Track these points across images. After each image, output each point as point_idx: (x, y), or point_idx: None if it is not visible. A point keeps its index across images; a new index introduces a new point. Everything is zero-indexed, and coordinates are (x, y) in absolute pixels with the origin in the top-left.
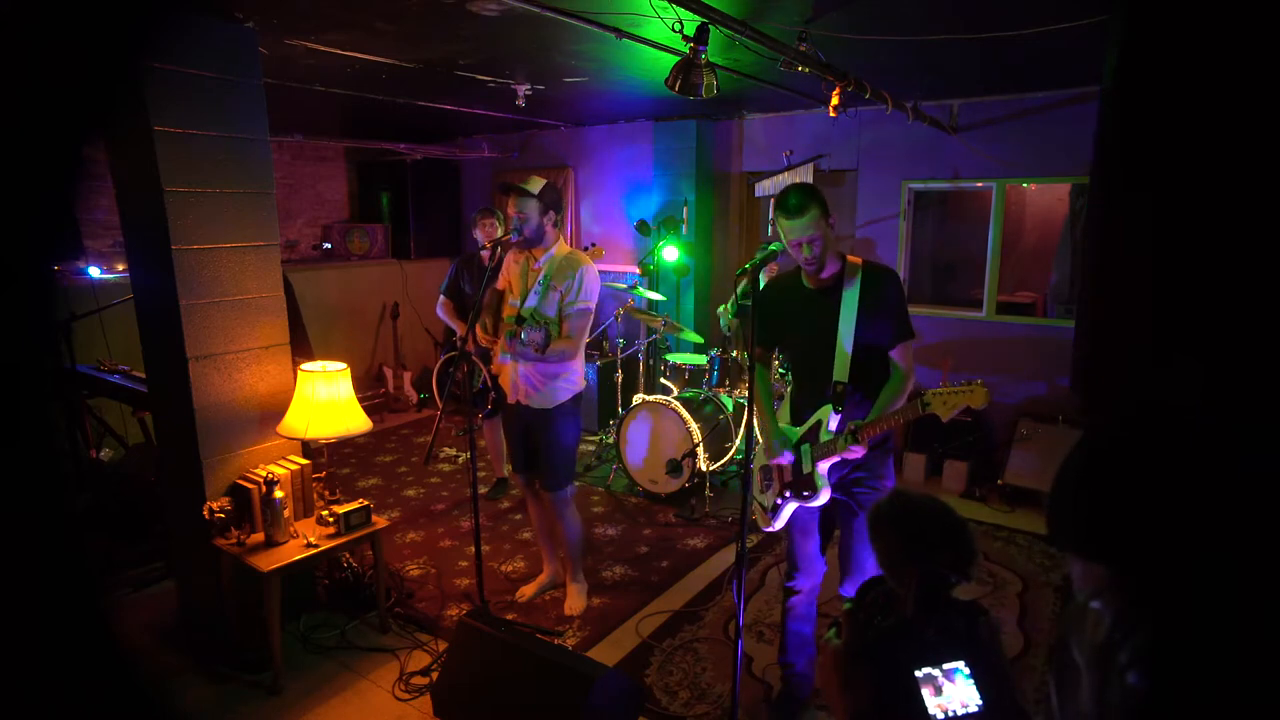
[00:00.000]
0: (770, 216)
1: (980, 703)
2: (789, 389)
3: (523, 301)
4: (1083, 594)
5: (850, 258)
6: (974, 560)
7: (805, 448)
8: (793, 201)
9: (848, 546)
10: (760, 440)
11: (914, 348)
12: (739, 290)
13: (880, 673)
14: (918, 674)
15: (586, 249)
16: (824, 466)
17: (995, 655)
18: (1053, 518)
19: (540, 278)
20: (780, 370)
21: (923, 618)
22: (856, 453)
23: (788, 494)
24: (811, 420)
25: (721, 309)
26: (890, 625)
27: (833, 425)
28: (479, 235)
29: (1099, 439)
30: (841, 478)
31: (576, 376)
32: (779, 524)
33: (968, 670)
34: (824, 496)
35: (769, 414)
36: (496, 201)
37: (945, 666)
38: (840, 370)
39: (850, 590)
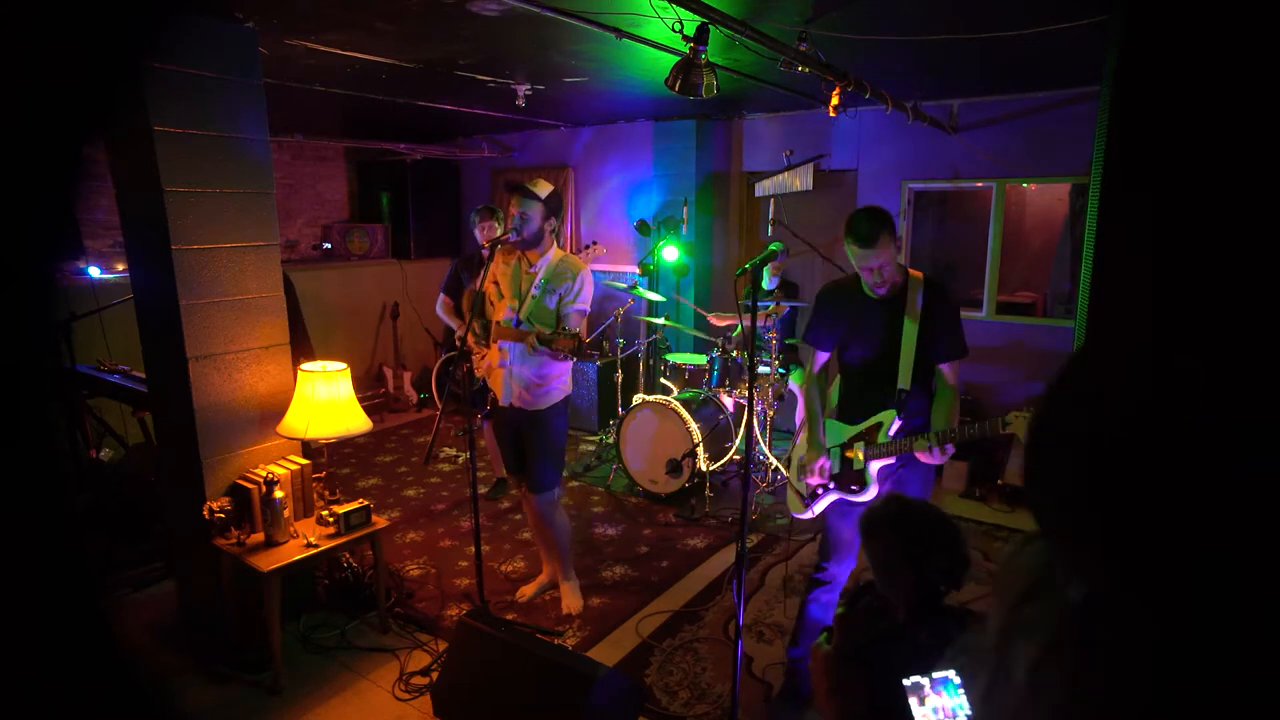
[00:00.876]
0: (770, 216)
1: (969, 713)
2: (832, 391)
3: (521, 304)
4: (1061, 577)
5: (912, 271)
6: (966, 569)
7: (859, 445)
8: (864, 230)
9: None
10: (805, 434)
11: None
12: (742, 293)
13: (870, 678)
14: (905, 682)
15: (588, 247)
16: (876, 466)
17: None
18: (1029, 495)
19: (539, 280)
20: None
21: (915, 624)
22: (938, 458)
23: (833, 486)
24: (870, 421)
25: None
26: (882, 631)
27: (893, 430)
28: (479, 235)
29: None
30: (887, 479)
31: (567, 378)
32: (814, 512)
33: (957, 680)
34: (872, 493)
35: (818, 413)
36: (498, 200)
37: (934, 675)
38: (904, 378)
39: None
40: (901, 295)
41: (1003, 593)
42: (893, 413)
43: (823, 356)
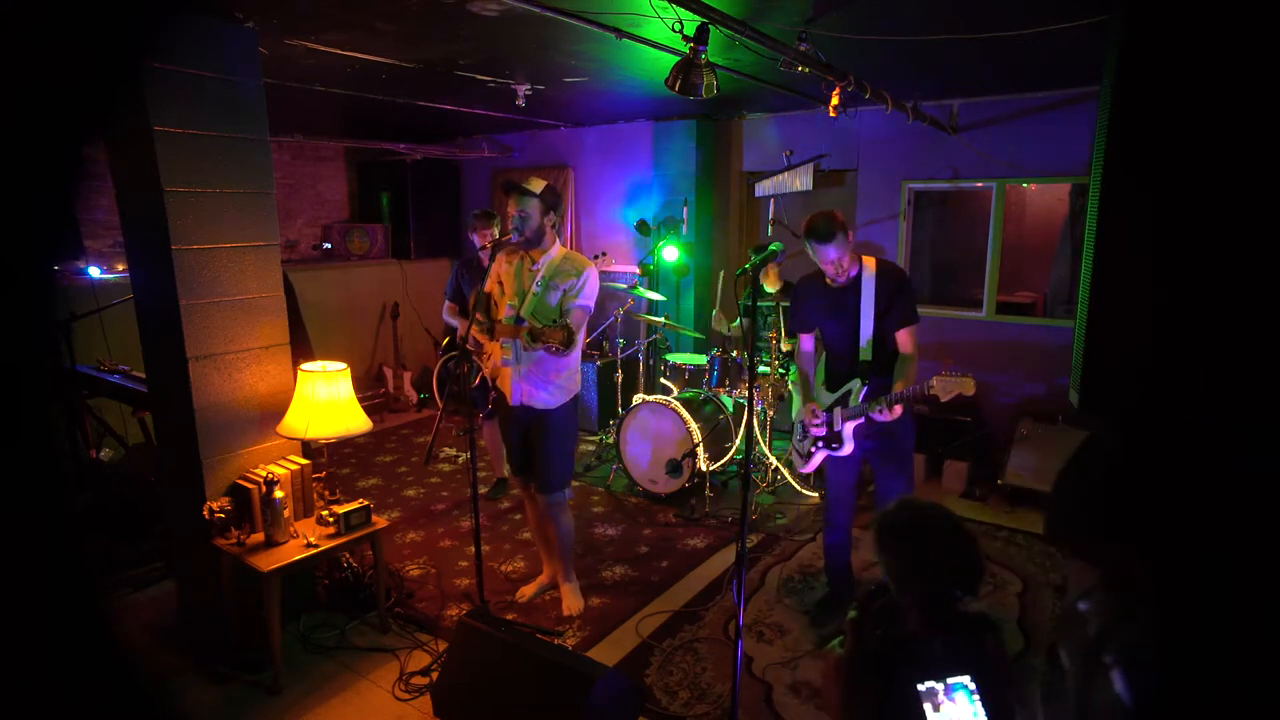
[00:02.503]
0: (770, 216)
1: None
2: (820, 365)
3: (521, 302)
4: (1072, 595)
5: (865, 258)
6: (980, 576)
7: (836, 411)
8: (822, 230)
9: (879, 480)
10: (800, 401)
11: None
12: (742, 293)
13: (882, 684)
14: (920, 688)
15: (597, 257)
16: (849, 427)
17: (1002, 673)
18: (1052, 515)
19: (540, 278)
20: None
21: (928, 631)
22: (887, 417)
23: (819, 445)
24: (843, 390)
25: (714, 313)
26: (894, 637)
27: (861, 395)
28: (476, 240)
29: (1103, 439)
30: (863, 435)
31: (576, 377)
32: (811, 468)
33: (972, 686)
34: (848, 448)
35: (810, 381)
36: (497, 201)
37: (949, 681)
38: (865, 351)
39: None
40: (858, 282)
41: (1071, 645)
42: (858, 380)
43: (806, 339)
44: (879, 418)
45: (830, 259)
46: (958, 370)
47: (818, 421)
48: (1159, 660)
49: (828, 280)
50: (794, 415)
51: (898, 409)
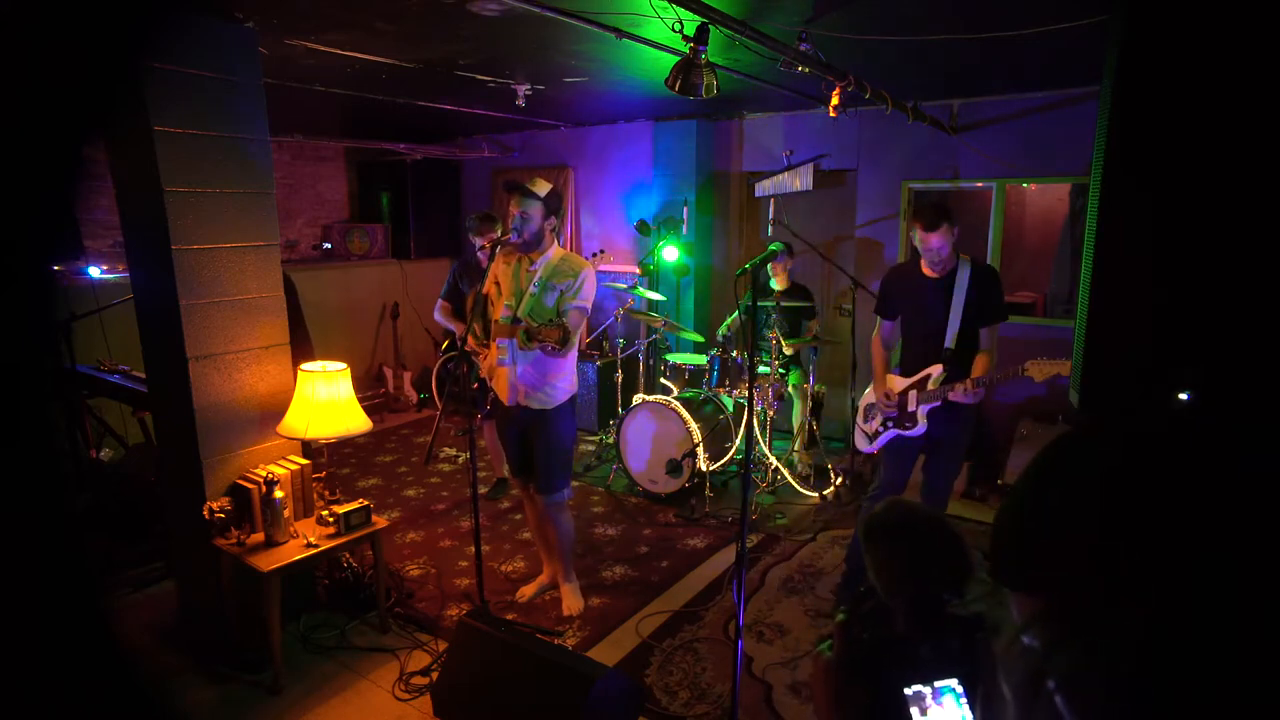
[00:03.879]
0: (770, 216)
1: None
2: (895, 350)
3: (518, 302)
4: (1013, 627)
5: (963, 255)
6: (970, 577)
7: (910, 393)
8: (928, 217)
9: (931, 467)
10: (873, 382)
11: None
12: (743, 294)
13: (870, 688)
14: (907, 691)
15: (595, 255)
16: (925, 409)
17: (993, 674)
18: (996, 554)
19: (537, 279)
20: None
21: (916, 633)
22: (970, 399)
23: (890, 424)
24: (921, 374)
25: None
26: (882, 640)
27: (940, 381)
28: (477, 243)
29: (1078, 447)
30: (934, 419)
31: (573, 377)
32: (875, 448)
33: (960, 690)
34: (921, 429)
35: (883, 366)
36: (497, 201)
37: (936, 685)
38: (951, 339)
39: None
40: (953, 275)
41: (1012, 678)
42: (940, 365)
43: (888, 325)
44: (963, 399)
45: (933, 247)
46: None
47: (891, 405)
48: (1137, 672)
49: (925, 270)
50: (862, 401)
51: (980, 391)
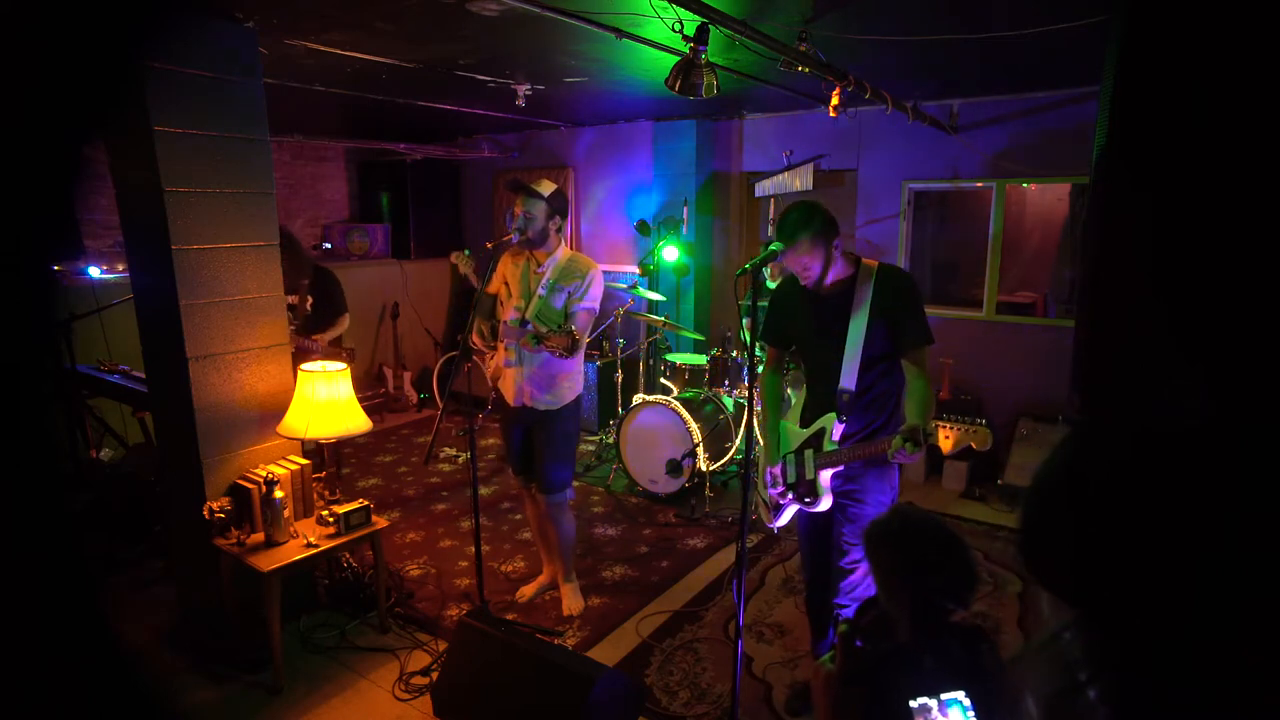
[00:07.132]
0: (770, 216)
1: None
2: (801, 392)
3: (527, 303)
4: (1049, 628)
5: (865, 260)
6: (973, 587)
7: (809, 454)
8: (786, 227)
9: (837, 554)
10: (761, 442)
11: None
12: (743, 294)
13: (872, 700)
14: (912, 704)
15: None
16: (826, 475)
17: (999, 684)
18: (1032, 548)
19: (546, 280)
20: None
21: (919, 644)
22: (913, 459)
23: (790, 497)
24: (815, 426)
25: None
26: (884, 651)
27: (836, 434)
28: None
29: (1087, 455)
30: (838, 489)
31: (578, 378)
32: (780, 523)
33: (967, 702)
34: (825, 503)
35: (771, 417)
36: (499, 200)
37: (942, 696)
38: (848, 378)
39: (844, 600)
40: (849, 289)
41: (1034, 687)
42: (832, 416)
43: (772, 354)
44: (904, 459)
45: (797, 269)
46: (967, 418)
47: (775, 472)
48: (1135, 699)
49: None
50: (758, 460)
51: (919, 451)
